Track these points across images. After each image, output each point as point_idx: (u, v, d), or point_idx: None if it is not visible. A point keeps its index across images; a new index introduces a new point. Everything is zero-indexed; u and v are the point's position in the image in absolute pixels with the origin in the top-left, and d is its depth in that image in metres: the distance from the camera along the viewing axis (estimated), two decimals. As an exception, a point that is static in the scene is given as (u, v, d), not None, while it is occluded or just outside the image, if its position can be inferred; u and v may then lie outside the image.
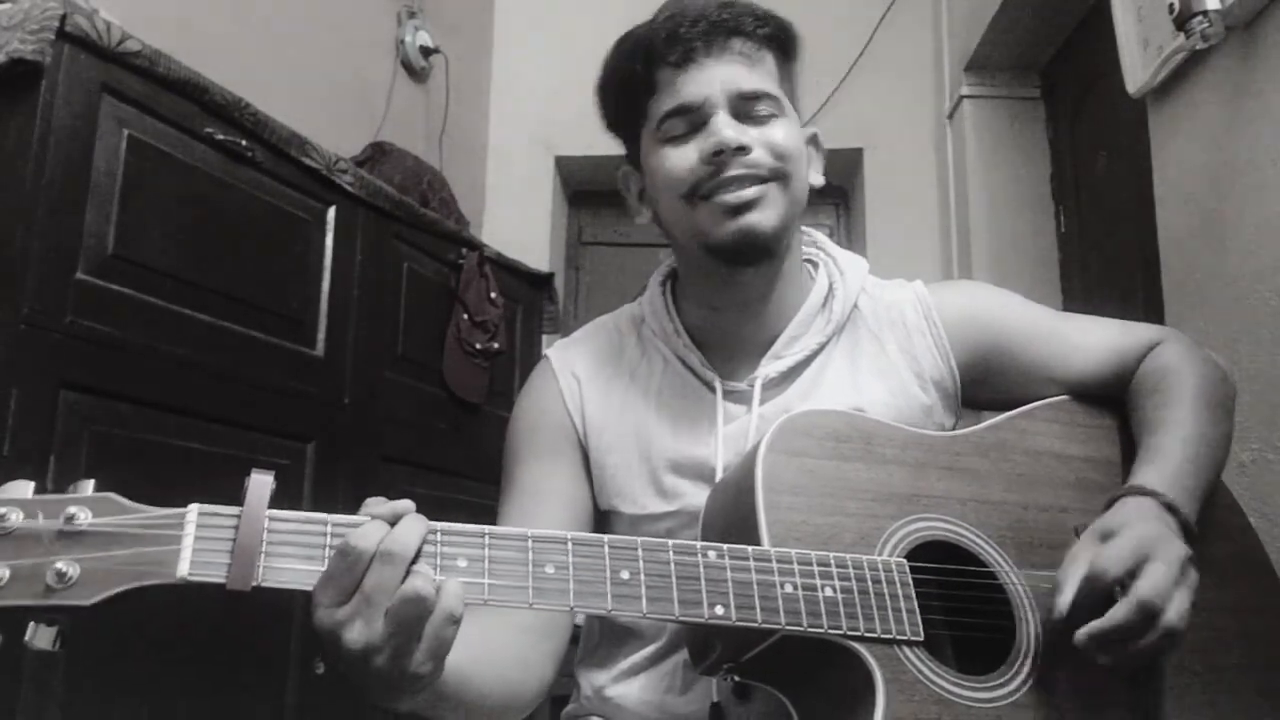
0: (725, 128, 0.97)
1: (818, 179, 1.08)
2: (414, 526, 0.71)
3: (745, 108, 0.99)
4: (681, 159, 0.99)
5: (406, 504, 0.73)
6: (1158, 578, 0.81)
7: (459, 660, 0.75)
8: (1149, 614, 0.80)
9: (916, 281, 1.14)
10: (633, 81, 1.03)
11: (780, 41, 1.04)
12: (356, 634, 0.68)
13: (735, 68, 0.99)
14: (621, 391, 1.08)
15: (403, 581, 0.68)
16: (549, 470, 1.06)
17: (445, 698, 0.78)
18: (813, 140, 1.09)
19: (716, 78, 0.99)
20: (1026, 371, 1.08)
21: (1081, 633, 0.81)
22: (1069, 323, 1.12)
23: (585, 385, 1.09)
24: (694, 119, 0.99)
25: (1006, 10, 2.60)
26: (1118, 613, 0.80)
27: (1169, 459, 0.94)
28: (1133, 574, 0.81)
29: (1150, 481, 0.92)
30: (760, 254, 1.01)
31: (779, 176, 0.99)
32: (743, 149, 0.97)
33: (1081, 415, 1.06)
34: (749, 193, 0.98)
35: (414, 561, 0.70)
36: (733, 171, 0.97)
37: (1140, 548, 0.82)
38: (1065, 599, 0.83)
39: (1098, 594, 0.82)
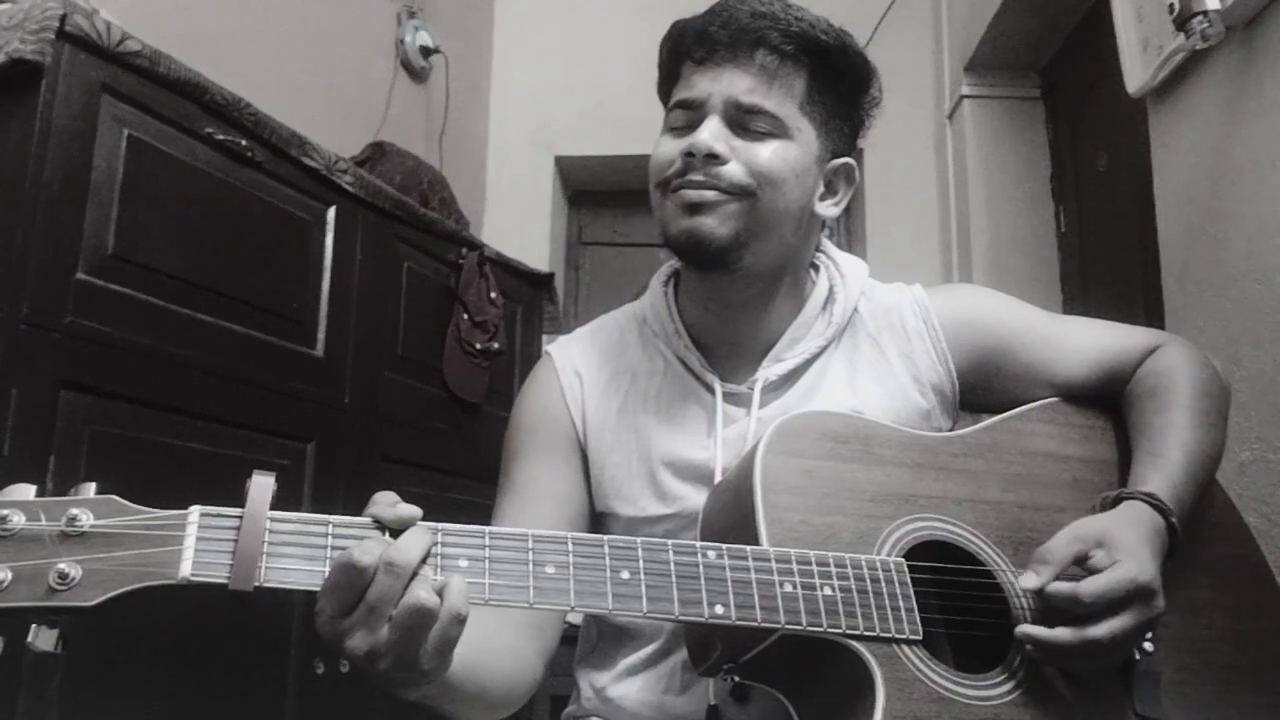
0: (706, 131, 0.98)
1: (829, 210, 1.06)
2: (418, 538, 0.71)
3: (741, 119, 0.99)
4: (667, 149, 1.01)
5: (413, 512, 0.73)
6: (1123, 630, 0.83)
7: (463, 653, 0.75)
8: (1092, 652, 0.83)
9: (915, 285, 1.14)
10: (663, 68, 1.06)
11: (817, 60, 1.00)
12: (359, 641, 0.69)
13: (746, 78, 0.98)
14: (622, 391, 1.08)
15: (405, 591, 0.68)
16: (546, 469, 1.06)
17: (450, 690, 0.79)
18: (840, 171, 1.07)
19: (723, 82, 0.99)
20: (1024, 374, 1.08)
21: (1023, 630, 0.84)
22: (1066, 325, 1.12)
23: (586, 384, 1.09)
24: (692, 116, 1.01)
25: (1006, 10, 2.60)
26: (1064, 635, 0.83)
27: (1171, 466, 0.96)
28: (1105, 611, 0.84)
29: (1157, 488, 0.93)
30: (708, 260, 1.00)
31: (745, 194, 0.98)
32: (714, 156, 0.97)
33: (1076, 416, 1.06)
34: (708, 195, 0.98)
35: (416, 572, 0.70)
36: (698, 175, 0.98)
37: (1128, 594, 0.84)
38: (1039, 581, 0.85)
39: (1063, 606, 0.84)
